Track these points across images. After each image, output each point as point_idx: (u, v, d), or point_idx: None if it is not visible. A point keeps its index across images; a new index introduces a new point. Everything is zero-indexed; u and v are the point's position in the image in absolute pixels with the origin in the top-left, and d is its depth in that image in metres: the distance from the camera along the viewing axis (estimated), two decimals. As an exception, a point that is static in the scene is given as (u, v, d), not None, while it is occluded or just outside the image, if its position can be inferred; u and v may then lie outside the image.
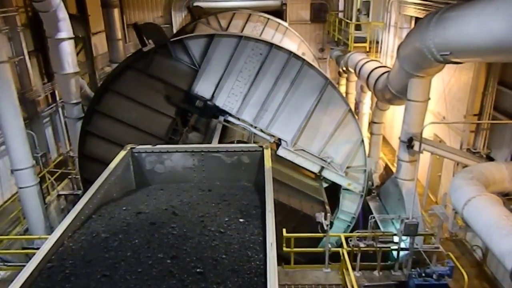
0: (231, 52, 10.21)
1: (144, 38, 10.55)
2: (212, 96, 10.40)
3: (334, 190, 11.30)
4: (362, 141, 10.83)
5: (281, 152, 10.61)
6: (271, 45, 10.29)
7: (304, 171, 11.07)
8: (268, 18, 19.53)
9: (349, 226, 11.29)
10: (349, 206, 11.23)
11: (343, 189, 11.08)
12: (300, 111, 10.47)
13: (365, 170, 10.98)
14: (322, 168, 10.80)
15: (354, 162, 10.89)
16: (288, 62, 10.23)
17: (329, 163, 10.73)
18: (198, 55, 10.32)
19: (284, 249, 8.73)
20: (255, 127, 10.62)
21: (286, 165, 10.79)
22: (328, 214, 8.73)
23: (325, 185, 11.14)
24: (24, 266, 3.94)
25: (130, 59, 10.53)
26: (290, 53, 10.29)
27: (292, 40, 19.60)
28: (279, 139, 10.69)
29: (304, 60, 10.35)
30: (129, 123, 10.45)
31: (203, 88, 10.40)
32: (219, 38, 10.24)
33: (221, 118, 10.58)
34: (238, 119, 10.64)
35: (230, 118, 10.60)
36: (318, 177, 11.04)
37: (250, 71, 10.27)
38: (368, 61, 14.42)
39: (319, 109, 10.46)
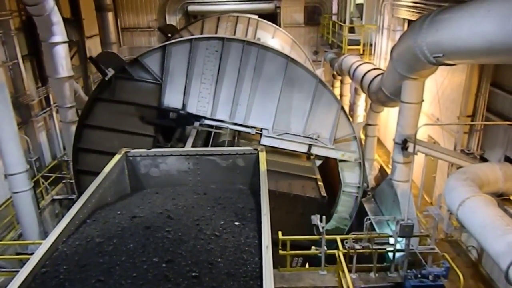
0: (186, 57, 10.17)
1: (103, 67, 10.61)
2: (183, 104, 10.39)
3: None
4: (342, 108, 10.61)
5: (264, 141, 10.50)
6: (222, 39, 10.21)
7: (296, 154, 10.91)
8: (258, 20, 19.55)
9: (357, 197, 11.10)
10: (351, 176, 11.04)
11: (339, 161, 10.92)
12: (271, 96, 10.39)
13: (355, 137, 10.74)
14: (310, 146, 10.62)
15: (341, 132, 10.68)
16: (244, 51, 10.13)
17: (316, 140, 10.56)
18: (157, 69, 10.34)
19: (280, 252, 8.72)
20: (235, 124, 10.54)
21: (276, 153, 10.70)
22: (324, 217, 8.71)
23: (318, 163, 11.02)
24: (18, 271, 3.90)
25: (96, 91, 10.58)
26: (243, 41, 10.23)
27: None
28: (261, 129, 10.61)
29: (259, 44, 10.29)
30: (114, 151, 10.49)
31: (172, 99, 10.40)
32: (171, 47, 10.22)
33: (197, 124, 10.53)
34: (214, 120, 10.57)
35: (207, 121, 10.54)
36: (309, 156, 10.90)
37: (211, 70, 10.22)
38: (362, 64, 14.50)
39: (289, 89, 10.34)
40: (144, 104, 10.38)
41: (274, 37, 18.95)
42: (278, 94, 10.33)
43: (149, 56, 10.33)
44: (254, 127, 10.57)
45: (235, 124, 10.54)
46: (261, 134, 10.59)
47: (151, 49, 10.56)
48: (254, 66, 10.19)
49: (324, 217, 8.68)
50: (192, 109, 10.42)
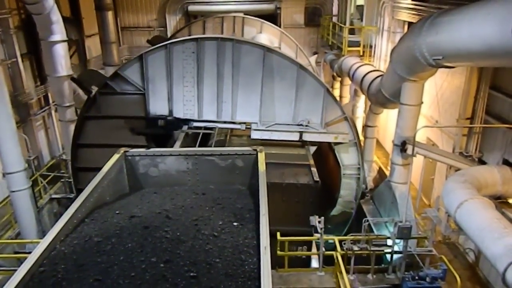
0: (164, 63, 10.19)
1: (86, 86, 10.68)
2: (170, 110, 10.41)
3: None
4: (328, 90, 10.53)
5: (254, 134, 10.48)
6: (196, 40, 10.20)
7: (290, 143, 10.84)
8: (243, 17, 19.65)
9: (359, 178, 11.05)
10: (348, 158, 11.01)
11: (335, 145, 10.86)
12: (254, 89, 10.35)
13: (346, 118, 10.66)
14: (301, 133, 10.56)
15: (330, 115, 10.63)
16: (219, 48, 10.11)
17: (306, 126, 10.51)
18: (138, 79, 10.39)
19: (278, 252, 8.71)
20: (223, 122, 10.54)
21: (268, 145, 10.47)
22: (322, 218, 8.70)
23: (313, 148, 10.95)
24: (15, 270, 3.90)
25: (83, 111, 10.67)
26: (217, 38, 10.22)
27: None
28: (250, 123, 10.59)
29: (233, 39, 10.26)
30: None
31: (158, 107, 10.44)
32: (147, 56, 10.24)
33: (185, 127, 10.53)
34: (203, 121, 10.59)
35: (195, 124, 10.56)
36: (303, 144, 10.84)
37: (191, 72, 10.23)
38: (361, 65, 14.51)
39: (270, 79, 10.30)
40: (132, 116, 10.46)
41: (262, 32, 19.10)
42: (260, 85, 10.28)
43: (129, 68, 10.39)
44: (244, 123, 10.55)
45: (224, 122, 10.52)
46: (250, 128, 10.55)
47: (130, 60, 10.62)
48: (232, 61, 10.16)
49: (322, 218, 8.68)
50: (179, 113, 10.47)
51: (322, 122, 10.56)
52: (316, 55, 21.00)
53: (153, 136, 10.67)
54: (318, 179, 9.39)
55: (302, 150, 10.80)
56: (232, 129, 11.00)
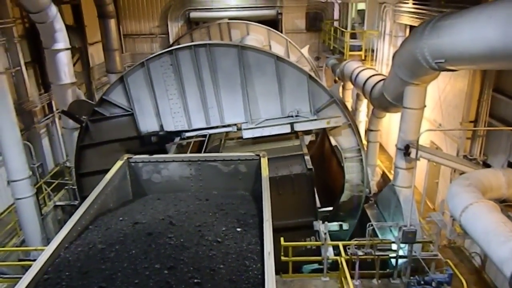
0: (145, 80, 10.25)
1: (76, 116, 10.82)
2: (160, 125, 10.49)
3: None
4: (311, 77, 10.43)
5: (246, 134, 10.47)
6: (171, 52, 10.23)
7: (284, 136, 10.77)
8: (228, 23, 19.70)
9: (361, 159, 10.96)
10: (346, 141, 10.90)
11: (330, 130, 10.78)
12: (236, 89, 10.32)
13: (335, 101, 10.52)
14: (293, 124, 10.48)
15: (319, 101, 10.49)
16: (195, 55, 10.12)
17: (296, 116, 10.44)
18: (124, 101, 10.47)
19: (282, 258, 8.68)
20: (214, 127, 10.56)
21: (262, 142, 10.63)
22: (326, 223, 8.68)
23: (308, 138, 10.87)
24: (20, 278, 3.90)
25: (79, 141, 10.82)
26: (190, 46, 10.24)
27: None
28: (241, 124, 10.57)
29: (206, 44, 10.26)
30: None
31: (148, 124, 10.52)
32: (127, 77, 10.31)
33: (177, 139, 10.57)
34: (193, 130, 10.62)
35: (187, 134, 10.59)
36: (297, 135, 10.76)
37: (173, 84, 10.26)
38: (363, 69, 14.52)
39: (250, 76, 10.25)
40: (125, 137, 10.53)
41: (249, 33, 19.18)
42: (242, 85, 10.27)
43: (112, 92, 10.50)
44: (235, 124, 10.54)
45: (214, 127, 10.55)
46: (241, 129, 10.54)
47: (112, 84, 10.71)
48: (209, 66, 10.17)
49: (326, 222, 8.66)
50: (169, 127, 10.53)
51: (312, 110, 10.48)
52: (308, 46, 21.03)
53: (149, 153, 10.79)
54: (311, 167, 9.29)
55: (296, 141, 10.72)
56: (227, 133, 11.01)
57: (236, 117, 10.49)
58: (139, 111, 10.43)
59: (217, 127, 10.55)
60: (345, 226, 10.06)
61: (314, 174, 9.29)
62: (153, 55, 10.39)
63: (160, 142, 10.38)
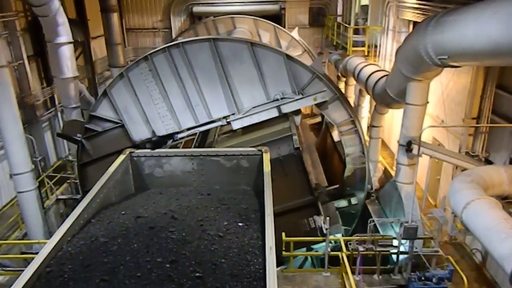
0: (129, 89, 10.27)
1: (72, 137, 10.92)
2: (152, 131, 10.53)
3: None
4: (288, 56, 10.32)
5: (235, 125, 10.45)
6: (146, 58, 10.23)
7: (275, 121, 10.69)
8: (213, 20, 19.86)
9: (356, 131, 10.91)
10: (338, 115, 10.80)
11: (319, 107, 10.70)
12: (216, 82, 10.28)
13: (317, 76, 10.37)
14: (279, 107, 10.42)
15: (302, 79, 10.38)
16: (171, 56, 10.10)
17: (282, 98, 10.38)
18: (112, 113, 10.52)
19: (284, 253, 8.71)
20: (203, 124, 10.56)
21: (252, 130, 10.60)
22: (327, 219, 8.67)
23: (297, 119, 10.82)
24: (22, 271, 3.93)
25: (78, 160, 10.96)
26: (164, 49, 10.20)
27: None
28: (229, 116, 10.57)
29: (179, 44, 10.20)
30: None
31: (140, 132, 10.55)
32: (110, 90, 10.36)
33: (169, 142, 10.63)
34: (184, 130, 10.65)
35: (179, 135, 10.62)
36: (287, 117, 10.70)
37: (156, 89, 10.27)
38: (366, 65, 14.45)
39: (228, 67, 10.20)
40: (121, 149, 10.54)
41: (237, 27, 19.33)
42: (221, 77, 10.23)
43: (99, 106, 10.56)
44: (224, 117, 10.53)
45: (204, 124, 10.56)
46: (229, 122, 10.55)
47: (97, 100, 10.78)
48: (185, 64, 10.15)
49: (328, 218, 8.66)
50: (161, 131, 10.56)
51: (295, 89, 10.40)
52: (297, 28, 20.96)
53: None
54: (298, 145, 9.28)
55: (286, 124, 10.66)
56: (221, 127, 10.99)
57: (222, 110, 10.47)
58: (129, 121, 10.50)
59: (207, 123, 10.57)
60: (354, 200, 10.01)
61: (301, 154, 9.19)
62: (132, 63, 10.45)
63: (154, 148, 10.45)
